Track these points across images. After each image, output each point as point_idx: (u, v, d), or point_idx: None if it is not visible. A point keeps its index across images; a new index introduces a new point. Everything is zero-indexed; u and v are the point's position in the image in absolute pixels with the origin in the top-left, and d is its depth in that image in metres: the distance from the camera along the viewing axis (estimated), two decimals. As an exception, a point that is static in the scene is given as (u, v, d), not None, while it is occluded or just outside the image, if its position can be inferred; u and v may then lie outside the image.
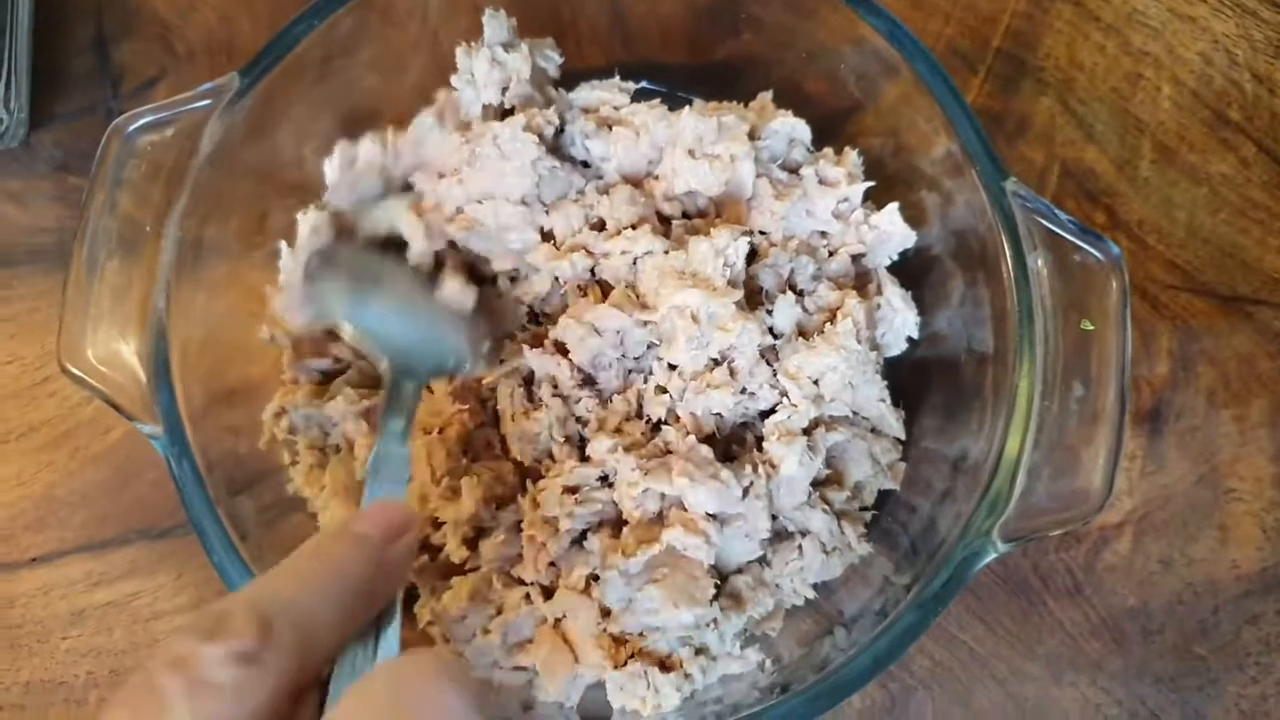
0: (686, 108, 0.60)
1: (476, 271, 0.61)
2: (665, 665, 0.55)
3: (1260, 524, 0.64)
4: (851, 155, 0.62)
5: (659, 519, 0.56)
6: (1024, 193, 0.52)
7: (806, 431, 0.57)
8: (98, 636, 0.64)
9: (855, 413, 0.59)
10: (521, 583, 0.57)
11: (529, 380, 0.60)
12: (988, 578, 0.64)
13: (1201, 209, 0.68)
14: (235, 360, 0.60)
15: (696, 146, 0.58)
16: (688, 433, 0.56)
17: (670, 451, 0.56)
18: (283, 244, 0.60)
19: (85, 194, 0.52)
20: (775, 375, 0.58)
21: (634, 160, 0.61)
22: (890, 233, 0.60)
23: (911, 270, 0.61)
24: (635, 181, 0.62)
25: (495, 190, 0.59)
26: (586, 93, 0.63)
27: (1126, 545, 0.64)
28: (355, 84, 0.61)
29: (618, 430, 0.57)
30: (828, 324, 0.58)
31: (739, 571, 0.58)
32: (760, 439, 0.58)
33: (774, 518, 0.57)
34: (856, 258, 0.62)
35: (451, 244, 0.60)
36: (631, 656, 0.55)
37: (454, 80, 0.62)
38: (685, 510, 0.55)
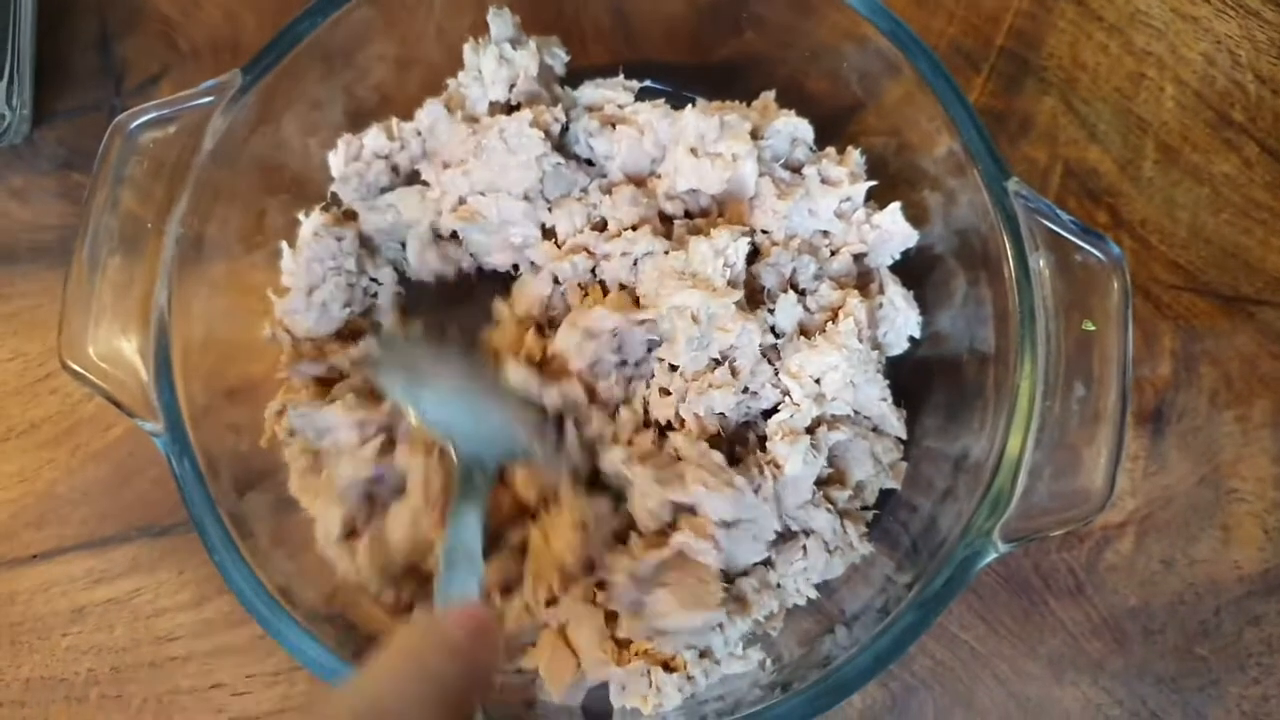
0: (689, 106, 0.60)
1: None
2: (668, 666, 0.55)
3: (1262, 525, 0.64)
4: (854, 154, 0.61)
5: (668, 525, 0.56)
6: (1026, 193, 0.52)
7: (809, 430, 0.57)
8: (99, 634, 0.64)
9: (857, 412, 0.59)
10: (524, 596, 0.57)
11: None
12: (989, 577, 0.64)
13: (1204, 209, 0.68)
14: (237, 358, 0.60)
15: (699, 145, 0.58)
16: (696, 436, 0.56)
17: (680, 458, 0.56)
18: (284, 244, 0.60)
19: (87, 191, 0.52)
20: (777, 374, 0.58)
21: (637, 159, 0.61)
22: (892, 232, 0.60)
23: (913, 270, 0.61)
24: (638, 180, 0.62)
25: (499, 183, 0.59)
26: (591, 91, 0.63)
27: (1128, 545, 0.64)
28: (358, 81, 0.61)
29: (629, 442, 0.57)
30: (829, 323, 0.58)
31: (744, 574, 0.58)
32: (763, 438, 0.58)
33: (779, 519, 0.57)
34: (858, 257, 0.61)
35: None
36: (635, 656, 0.55)
37: (461, 77, 0.62)
38: (695, 515, 0.55)
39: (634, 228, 0.59)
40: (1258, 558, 0.64)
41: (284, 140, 0.59)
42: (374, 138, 0.62)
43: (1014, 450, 0.50)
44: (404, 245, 0.63)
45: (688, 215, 0.61)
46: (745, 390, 0.57)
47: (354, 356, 0.61)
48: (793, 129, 0.61)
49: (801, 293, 0.60)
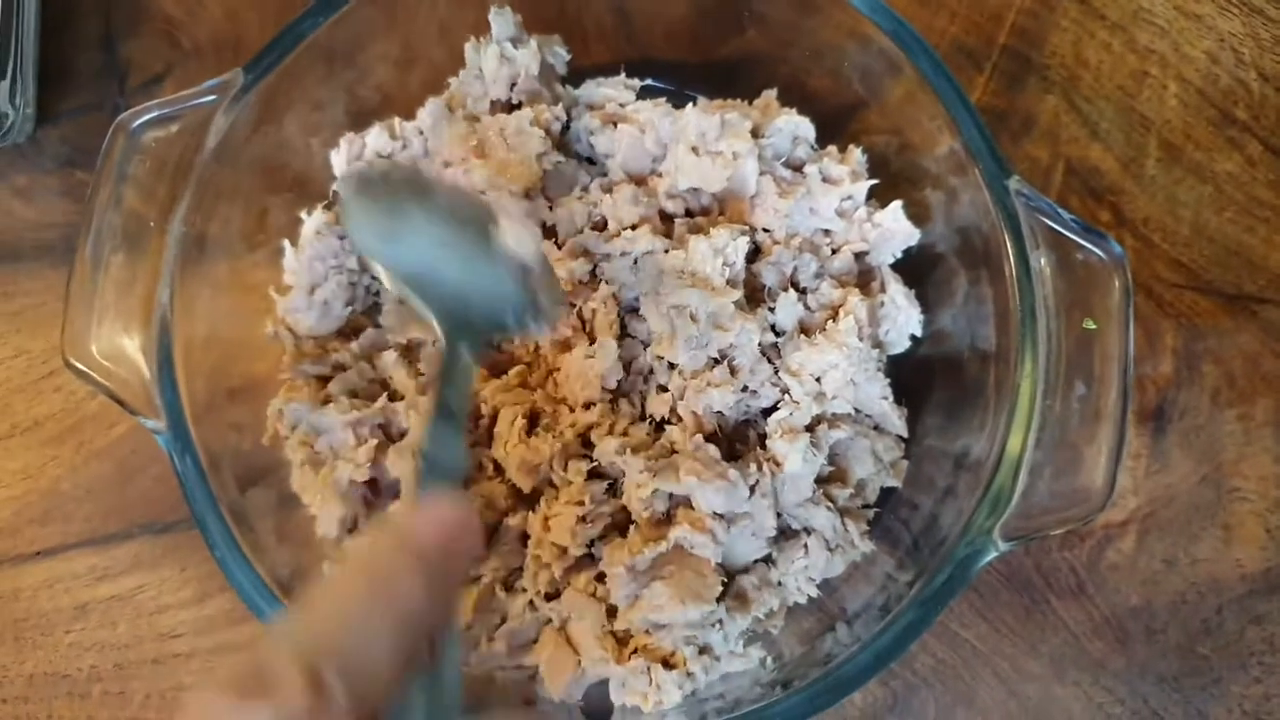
0: (690, 105, 0.60)
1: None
2: (668, 663, 0.55)
3: (1264, 524, 0.64)
4: (855, 153, 0.61)
5: (666, 518, 0.56)
6: (1027, 191, 0.52)
7: (809, 429, 0.57)
8: (101, 630, 0.64)
9: (858, 410, 0.59)
10: (525, 589, 0.57)
11: (530, 418, 0.59)
12: (991, 576, 0.64)
13: (1207, 207, 0.67)
14: (239, 357, 0.60)
15: (699, 143, 0.58)
16: (692, 432, 0.56)
17: (676, 451, 0.56)
18: (285, 243, 0.61)
19: (90, 189, 0.53)
20: (777, 373, 0.58)
21: (638, 157, 0.61)
22: (894, 230, 0.60)
23: (915, 268, 0.61)
24: (639, 179, 0.62)
25: (500, 181, 0.59)
26: (592, 89, 0.63)
27: (1130, 544, 0.64)
28: (360, 80, 0.62)
29: (624, 433, 0.57)
30: (830, 321, 0.58)
31: (744, 571, 0.58)
32: (763, 436, 0.58)
33: (778, 516, 0.57)
34: (860, 255, 0.61)
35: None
36: (634, 653, 0.55)
37: (462, 75, 0.62)
38: (692, 509, 0.55)
39: (633, 227, 0.59)
40: (1260, 557, 0.64)
41: (286, 139, 0.59)
42: (376, 137, 0.62)
43: (1015, 449, 0.50)
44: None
45: (689, 214, 0.61)
46: (744, 389, 0.57)
47: (355, 349, 0.61)
48: (794, 127, 0.61)
49: (802, 291, 0.60)
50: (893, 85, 0.58)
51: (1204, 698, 0.62)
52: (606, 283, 0.60)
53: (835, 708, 0.53)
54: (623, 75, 0.63)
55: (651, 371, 0.59)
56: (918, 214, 0.60)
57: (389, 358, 0.60)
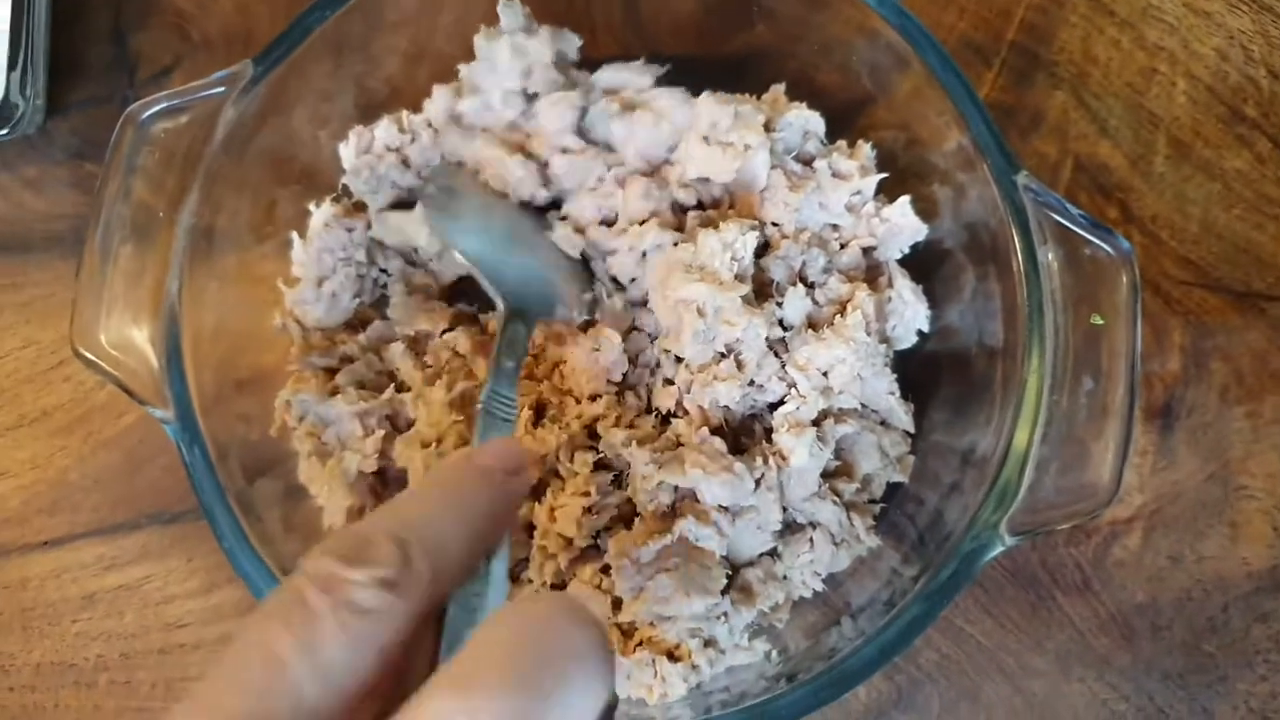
0: (705, 93, 0.60)
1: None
2: (673, 655, 0.55)
3: (1271, 521, 0.64)
4: (865, 148, 0.61)
5: (671, 511, 0.56)
6: (1035, 186, 0.52)
7: (815, 423, 0.57)
8: (108, 620, 0.64)
9: (864, 405, 0.59)
10: (531, 580, 0.57)
11: (537, 409, 0.60)
12: (996, 572, 0.64)
13: (1216, 205, 0.67)
14: (247, 348, 0.60)
15: (711, 133, 0.58)
16: (698, 425, 0.56)
17: (682, 444, 0.56)
18: (294, 235, 0.61)
19: (99, 180, 0.53)
20: (784, 367, 0.58)
21: (653, 144, 0.60)
22: (902, 226, 0.60)
23: (922, 264, 0.61)
24: (653, 169, 0.61)
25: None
26: (610, 74, 0.63)
27: (1136, 541, 0.64)
28: (370, 73, 0.62)
29: (630, 425, 0.58)
30: (838, 316, 0.58)
31: (750, 564, 0.58)
32: (769, 431, 0.58)
33: (784, 509, 0.57)
34: (867, 250, 0.61)
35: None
36: (639, 645, 0.55)
37: (473, 67, 0.62)
38: (698, 502, 0.55)
39: (641, 223, 0.59)
40: (1266, 554, 0.64)
41: (295, 131, 0.60)
42: (385, 129, 0.62)
43: (1021, 443, 0.50)
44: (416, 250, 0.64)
45: (700, 205, 0.61)
46: (751, 383, 0.57)
47: (364, 341, 0.61)
48: (804, 122, 0.61)
49: (810, 286, 0.60)
50: (901, 80, 0.58)
51: (1210, 695, 0.62)
52: (616, 279, 0.60)
53: (840, 702, 0.53)
54: (641, 60, 0.63)
55: (658, 365, 0.59)
56: (925, 209, 0.60)
57: (396, 349, 0.60)
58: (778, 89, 0.64)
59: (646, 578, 0.54)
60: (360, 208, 0.63)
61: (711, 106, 0.58)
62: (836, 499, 0.57)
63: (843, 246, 0.61)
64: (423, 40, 0.63)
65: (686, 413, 0.57)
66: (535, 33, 0.61)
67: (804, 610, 0.58)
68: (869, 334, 0.57)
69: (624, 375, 0.59)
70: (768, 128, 0.60)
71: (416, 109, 0.63)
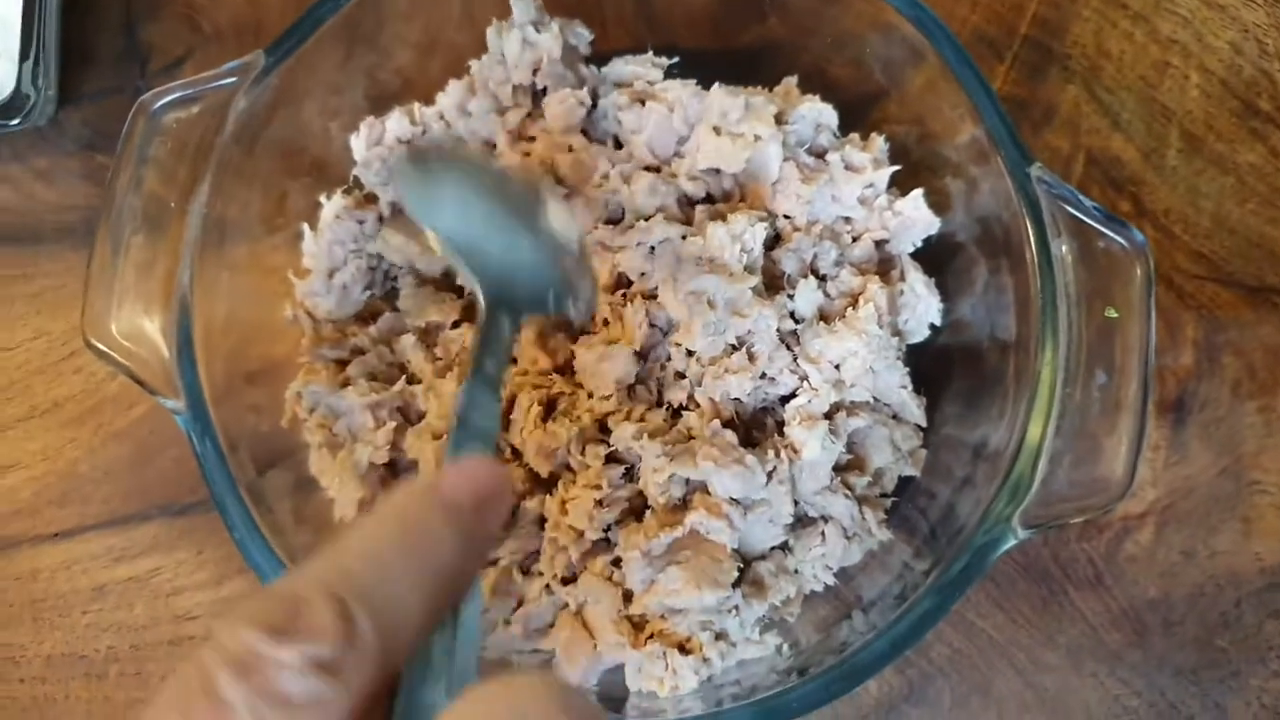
0: (716, 84, 0.60)
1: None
2: (684, 648, 0.55)
3: (1284, 517, 0.64)
4: (878, 141, 0.61)
5: (683, 504, 0.56)
6: (1049, 179, 0.52)
7: (827, 416, 0.56)
8: (119, 612, 0.64)
9: (876, 399, 0.59)
10: (542, 573, 0.57)
11: (548, 404, 0.59)
12: (1008, 566, 0.63)
13: (1229, 199, 0.67)
14: (258, 339, 0.60)
15: (721, 123, 0.58)
16: (710, 418, 0.56)
17: (693, 437, 0.56)
18: (305, 227, 0.61)
19: (111, 170, 0.53)
20: (795, 360, 0.58)
21: (664, 136, 0.60)
22: (914, 219, 0.60)
23: (935, 257, 0.61)
24: (661, 163, 0.61)
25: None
26: (620, 67, 0.63)
27: (1148, 536, 0.64)
28: (381, 64, 0.62)
29: (641, 419, 0.57)
30: (850, 309, 0.58)
31: (761, 558, 0.58)
32: (781, 424, 0.58)
33: (795, 503, 0.57)
34: (880, 244, 0.61)
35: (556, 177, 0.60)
36: (650, 638, 0.55)
37: (484, 59, 0.62)
38: (709, 495, 0.55)
39: (649, 218, 0.59)
40: (1279, 550, 0.63)
41: (306, 122, 0.60)
42: (396, 121, 0.62)
43: (1034, 437, 0.50)
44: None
45: (709, 198, 0.61)
46: (763, 376, 0.57)
47: (374, 333, 0.61)
48: (817, 114, 0.61)
49: (822, 278, 0.60)
50: (914, 73, 0.58)
51: (1222, 690, 0.62)
52: (627, 279, 0.60)
53: (851, 696, 0.53)
54: (650, 53, 0.63)
55: (669, 358, 0.59)
56: (938, 203, 0.60)
57: (407, 341, 0.60)
58: (790, 82, 0.64)
59: (658, 570, 0.54)
60: (371, 200, 0.63)
61: (722, 97, 0.58)
62: (848, 492, 0.57)
63: (855, 239, 0.61)
64: (434, 32, 0.63)
65: (698, 406, 0.57)
66: (547, 26, 0.61)
67: (815, 604, 0.58)
68: (881, 327, 0.57)
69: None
70: (780, 120, 0.60)
71: (428, 101, 0.63)
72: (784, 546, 0.58)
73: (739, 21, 0.65)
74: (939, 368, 0.61)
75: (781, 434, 0.57)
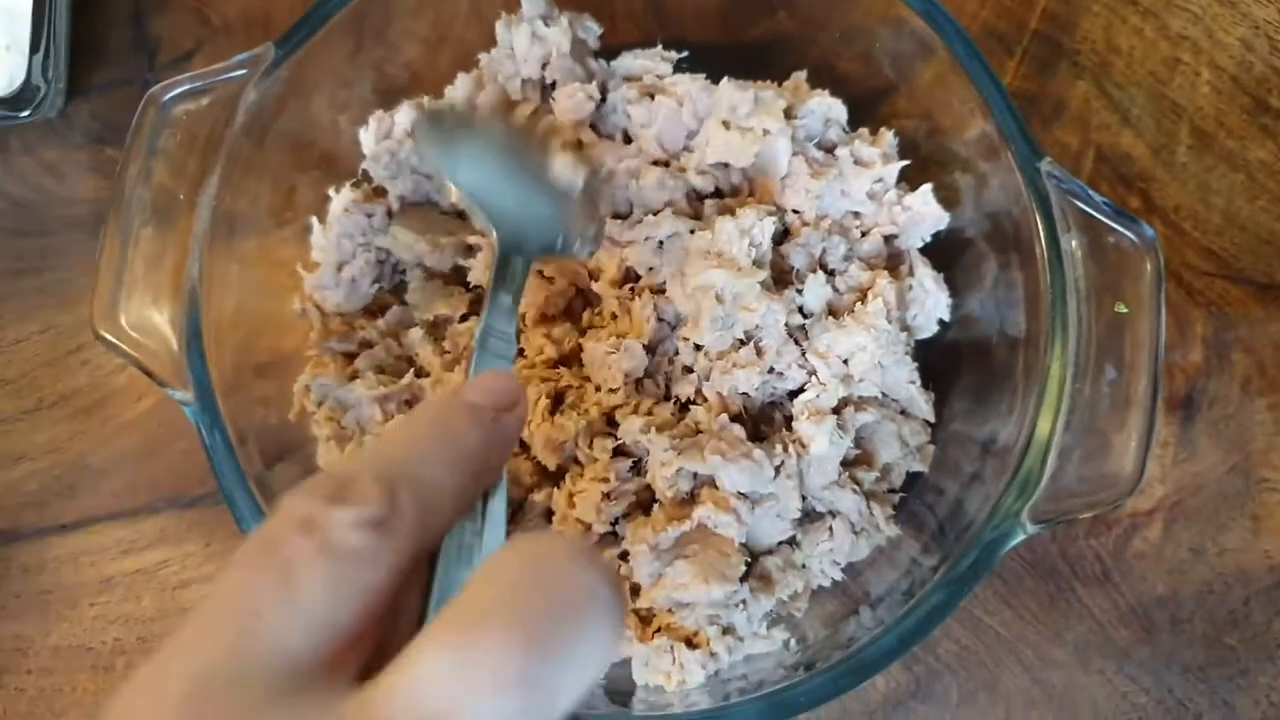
0: (725, 78, 0.60)
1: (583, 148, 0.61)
2: (691, 643, 0.55)
3: (1293, 514, 0.64)
4: (887, 136, 0.61)
5: (690, 498, 0.56)
6: (1059, 174, 0.52)
7: (836, 411, 0.56)
8: (126, 604, 0.64)
9: (885, 394, 0.59)
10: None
11: (556, 396, 0.59)
12: (1016, 563, 0.63)
13: (1239, 195, 0.67)
14: (267, 332, 0.60)
15: (731, 117, 0.58)
16: (717, 412, 0.56)
17: (700, 431, 0.56)
18: (314, 220, 0.61)
19: (121, 162, 0.53)
20: (804, 355, 0.57)
21: (674, 130, 0.60)
22: (923, 214, 0.60)
23: (944, 252, 0.61)
24: (669, 158, 0.61)
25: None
26: (629, 61, 0.63)
27: (1157, 533, 0.63)
28: (390, 58, 0.61)
29: (649, 413, 0.57)
30: (858, 304, 0.58)
31: (769, 553, 0.58)
32: (789, 418, 0.57)
33: (803, 498, 0.56)
34: (889, 239, 0.61)
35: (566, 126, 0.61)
36: (658, 632, 0.55)
37: (494, 54, 0.62)
38: (717, 489, 0.55)
39: (657, 212, 0.59)
40: (1288, 547, 0.63)
41: (315, 115, 0.60)
42: (406, 115, 0.62)
43: (1044, 431, 0.49)
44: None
45: (718, 192, 0.61)
46: (771, 370, 0.57)
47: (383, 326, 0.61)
48: (826, 109, 0.61)
49: (831, 273, 0.60)
50: (923, 68, 0.58)
51: (1230, 688, 0.62)
52: (635, 274, 0.60)
53: (858, 691, 0.53)
54: (659, 47, 0.63)
55: (677, 352, 0.59)
56: (947, 198, 0.59)
57: (415, 334, 0.60)
58: (799, 76, 0.63)
59: (665, 564, 0.54)
60: (380, 193, 0.63)
61: (732, 91, 0.58)
62: (856, 488, 0.57)
63: (864, 234, 0.61)
64: (443, 25, 0.63)
65: (705, 400, 0.57)
66: (556, 20, 0.61)
67: (823, 599, 0.58)
68: (890, 322, 0.57)
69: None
70: (789, 115, 0.60)
71: (437, 95, 0.63)
72: (791, 541, 0.58)
73: (748, 16, 0.65)
74: (948, 363, 0.60)
75: (789, 429, 0.57)
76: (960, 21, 0.55)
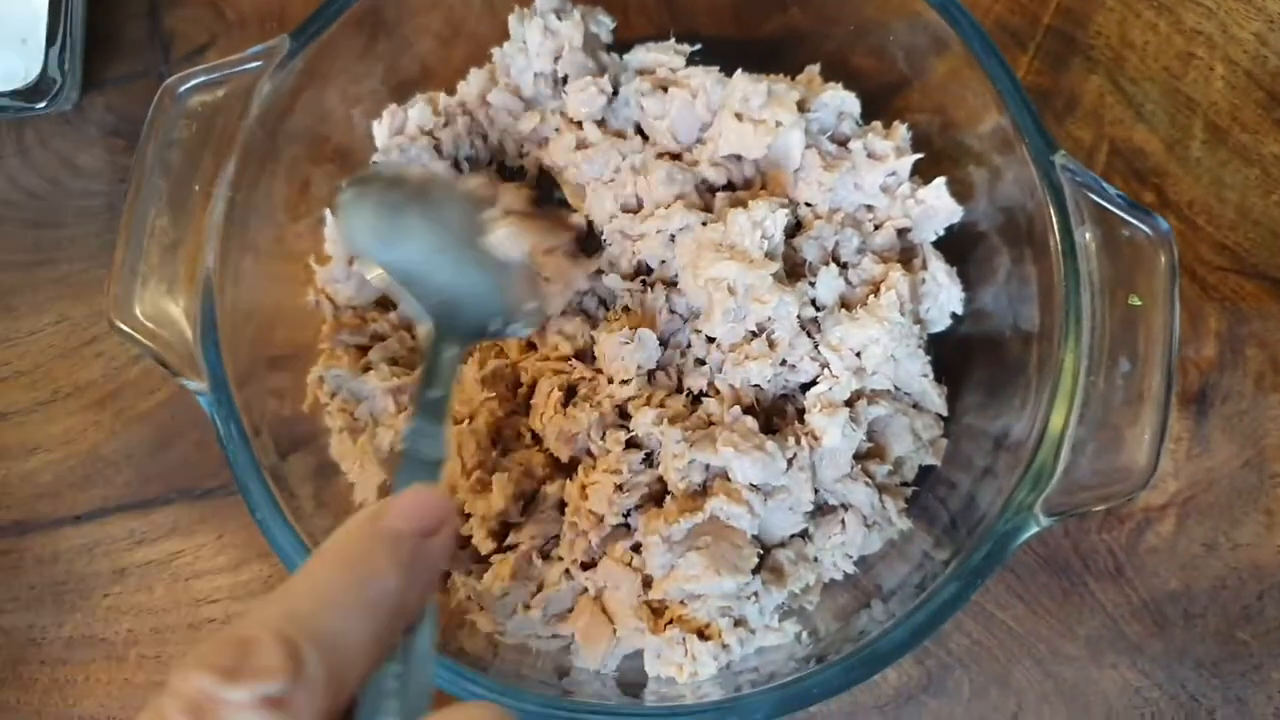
0: (739, 71, 0.60)
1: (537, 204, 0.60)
2: (703, 634, 0.55)
3: (1307, 510, 0.63)
4: (900, 129, 0.61)
5: (703, 490, 0.56)
6: (1073, 166, 0.52)
7: (848, 404, 0.56)
8: (139, 594, 0.65)
9: (897, 387, 0.59)
10: (561, 558, 0.57)
11: (568, 389, 0.59)
12: (1028, 557, 0.63)
13: (1253, 190, 0.67)
14: (281, 324, 0.60)
15: (743, 109, 0.58)
16: (730, 404, 0.56)
17: (713, 423, 0.56)
18: (327, 213, 0.61)
19: (136, 152, 0.53)
20: (816, 347, 0.57)
21: (687, 121, 0.60)
22: (937, 208, 0.60)
23: (957, 246, 0.61)
24: (679, 152, 0.61)
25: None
26: (642, 54, 0.63)
27: (1170, 528, 0.63)
28: (405, 50, 0.62)
29: (661, 405, 0.57)
30: (871, 296, 0.58)
31: (781, 545, 0.58)
32: (801, 411, 0.57)
33: (816, 490, 0.56)
34: (902, 232, 0.61)
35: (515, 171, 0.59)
36: (670, 624, 0.55)
37: (506, 48, 0.62)
38: (729, 481, 0.55)
39: (668, 206, 0.59)
40: (1302, 543, 0.63)
41: (329, 108, 0.60)
42: (419, 111, 0.62)
43: (1057, 424, 0.49)
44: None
45: (730, 185, 0.61)
46: (783, 363, 0.57)
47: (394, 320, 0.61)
48: (839, 102, 0.61)
49: (843, 266, 0.60)
50: (937, 62, 0.58)
51: (1243, 684, 0.62)
52: (648, 266, 0.60)
53: (870, 684, 0.53)
54: (672, 40, 0.63)
55: (689, 345, 0.59)
56: (960, 191, 0.59)
57: (426, 328, 0.60)
58: (812, 70, 0.63)
59: (677, 556, 0.54)
60: (393, 186, 0.63)
61: (745, 83, 0.58)
62: (869, 480, 0.57)
63: (877, 227, 0.61)
64: (456, 19, 0.63)
65: (718, 392, 0.57)
66: (569, 13, 0.61)
67: (834, 592, 0.58)
68: (903, 314, 0.57)
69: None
70: (802, 108, 0.60)
71: (450, 89, 0.63)
72: (804, 534, 0.58)
73: (761, 10, 0.65)
74: (960, 357, 0.60)
75: (802, 421, 0.57)
76: (974, 15, 0.55)
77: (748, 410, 0.56)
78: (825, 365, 0.57)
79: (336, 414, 0.58)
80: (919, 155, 0.60)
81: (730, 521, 0.54)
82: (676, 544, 0.54)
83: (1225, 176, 0.67)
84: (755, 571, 0.55)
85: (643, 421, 0.56)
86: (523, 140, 0.63)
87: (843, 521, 0.57)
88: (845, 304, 0.58)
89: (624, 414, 0.58)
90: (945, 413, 0.60)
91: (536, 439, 0.58)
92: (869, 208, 0.61)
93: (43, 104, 0.65)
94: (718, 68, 0.62)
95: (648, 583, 0.55)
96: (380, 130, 0.62)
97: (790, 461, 0.55)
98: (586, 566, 0.56)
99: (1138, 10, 0.69)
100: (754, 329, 0.57)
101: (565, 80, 0.62)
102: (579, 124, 0.61)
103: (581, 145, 0.61)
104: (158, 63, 0.70)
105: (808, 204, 0.60)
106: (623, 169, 0.60)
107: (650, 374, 0.58)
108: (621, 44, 0.64)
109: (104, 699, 0.64)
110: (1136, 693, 0.62)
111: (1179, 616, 0.62)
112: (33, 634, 0.65)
